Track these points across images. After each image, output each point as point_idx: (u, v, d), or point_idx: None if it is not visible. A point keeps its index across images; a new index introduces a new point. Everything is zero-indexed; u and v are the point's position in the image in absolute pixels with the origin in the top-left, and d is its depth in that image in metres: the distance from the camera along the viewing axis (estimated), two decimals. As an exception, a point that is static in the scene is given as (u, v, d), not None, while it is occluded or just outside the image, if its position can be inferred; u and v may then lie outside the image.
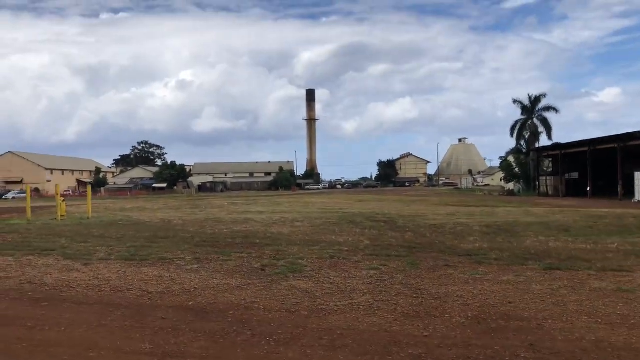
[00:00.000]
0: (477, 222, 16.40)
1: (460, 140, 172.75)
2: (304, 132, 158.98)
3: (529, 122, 72.73)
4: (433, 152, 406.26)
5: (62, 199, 20.26)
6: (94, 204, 37.36)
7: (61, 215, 19.67)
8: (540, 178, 65.66)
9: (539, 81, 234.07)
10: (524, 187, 71.93)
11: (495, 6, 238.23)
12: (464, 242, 12.28)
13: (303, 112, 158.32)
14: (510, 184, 79.75)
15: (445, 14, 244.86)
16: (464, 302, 6.92)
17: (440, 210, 24.74)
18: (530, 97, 72.49)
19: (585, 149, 52.84)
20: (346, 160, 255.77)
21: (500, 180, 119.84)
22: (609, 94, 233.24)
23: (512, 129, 73.85)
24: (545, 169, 68.25)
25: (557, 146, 62.02)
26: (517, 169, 75.59)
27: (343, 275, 8.62)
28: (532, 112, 72.12)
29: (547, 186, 64.16)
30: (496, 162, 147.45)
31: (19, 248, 12.19)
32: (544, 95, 72.36)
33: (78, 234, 14.62)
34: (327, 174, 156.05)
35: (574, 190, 56.35)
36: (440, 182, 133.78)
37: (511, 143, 78.47)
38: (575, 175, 59.88)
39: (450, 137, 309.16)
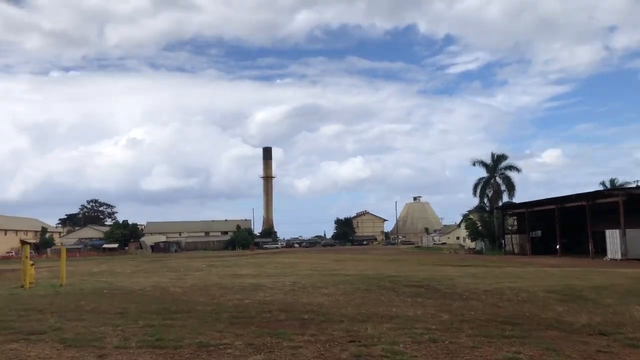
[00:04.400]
0: (530, 286, 14.40)
1: (415, 198, 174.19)
2: (256, 190, 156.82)
3: (492, 180, 72.98)
4: (386, 210, 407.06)
5: (31, 262, 16.98)
6: (44, 266, 33.42)
7: (30, 283, 16.40)
8: (505, 236, 65.34)
9: (485, 142, 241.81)
10: (488, 246, 71.33)
11: (441, 71, 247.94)
12: (563, 314, 10.18)
13: (256, 171, 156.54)
14: (473, 242, 79.21)
15: (394, 78, 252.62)
16: None
17: (450, 272, 22.65)
18: (493, 156, 73.29)
19: (553, 206, 52.83)
20: (300, 218, 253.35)
21: (457, 238, 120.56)
22: (551, 155, 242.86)
23: (475, 187, 74.04)
24: (509, 227, 68.16)
25: (523, 204, 61.98)
26: (480, 227, 75.08)
27: (480, 369, 6.32)
28: (495, 170, 72.58)
29: (512, 244, 63.75)
30: (449, 221, 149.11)
31: (-6, 331, 9.21)
32: (505, 157, 73.10)
33: (64, 308, 11.63)
34: (282, 232, 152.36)
35: (539, 248, 55.97)
36: (399, 241, 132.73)
37: (462, 202, 79.42)
38: (538, 233, 59.83)
39: (401, 195, 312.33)
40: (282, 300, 12.55)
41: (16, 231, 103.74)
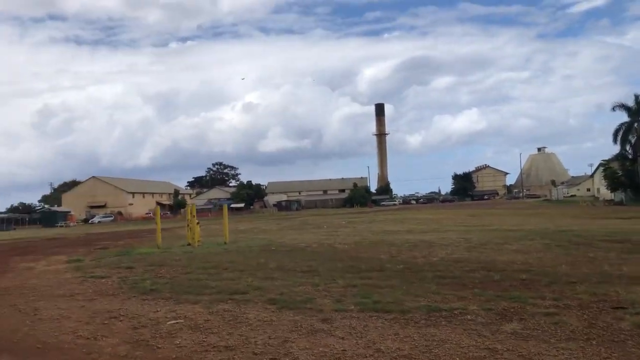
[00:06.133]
0: None
1: (539, 149, 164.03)
2: (367, 148, 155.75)
3: (636, 125, 66.01)
4: (505, 163, 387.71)
5: (197, 221, 17.26)
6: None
7: (197, 241, 16.67)
8: (653, 186, 59.46)
9: (615, 86, 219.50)
10: (630, 196, 65.20)
11: (562, 11, 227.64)
12: None
13: (366, 129, 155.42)
14: (612, 193, 72.88)
15: (511, 23, 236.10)
16: None
17: (628, 226, 20.23)
18: (636, 98, 65.99)
19: None
20: (413, 174, 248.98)
21: (588, 190, 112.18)
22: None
23: (616, 133, 67.29)
24: (657, 176, 61.90)
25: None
26: (622, 177, 68.77)
27: None
28: (639, 115, 65.47)
29: (660, 195, 57.88)
30: (575, 172, 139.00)
31: (193, 290, 8.95)
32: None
33: (247, 266, 11.34)
34: (395, 189, 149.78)
35: (693, 198, 50.07)
36: (524, 194, 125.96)
37: (590, 151, 72.69)
38: (690, 181, 53.60)
39: (520, 147, 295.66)
40: (473, 258, 11.40)
41: (152, 194, 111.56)
